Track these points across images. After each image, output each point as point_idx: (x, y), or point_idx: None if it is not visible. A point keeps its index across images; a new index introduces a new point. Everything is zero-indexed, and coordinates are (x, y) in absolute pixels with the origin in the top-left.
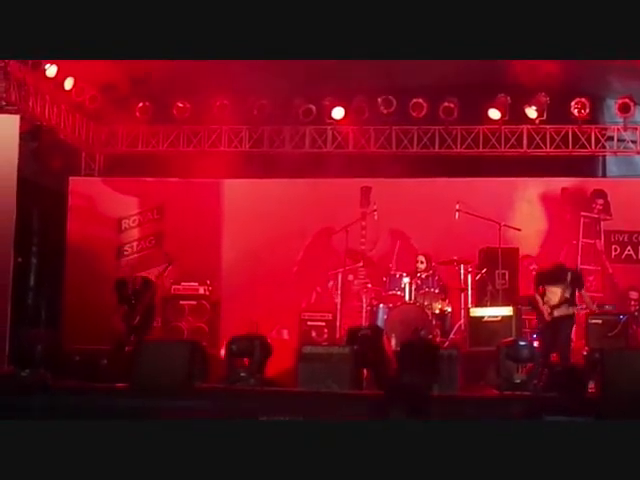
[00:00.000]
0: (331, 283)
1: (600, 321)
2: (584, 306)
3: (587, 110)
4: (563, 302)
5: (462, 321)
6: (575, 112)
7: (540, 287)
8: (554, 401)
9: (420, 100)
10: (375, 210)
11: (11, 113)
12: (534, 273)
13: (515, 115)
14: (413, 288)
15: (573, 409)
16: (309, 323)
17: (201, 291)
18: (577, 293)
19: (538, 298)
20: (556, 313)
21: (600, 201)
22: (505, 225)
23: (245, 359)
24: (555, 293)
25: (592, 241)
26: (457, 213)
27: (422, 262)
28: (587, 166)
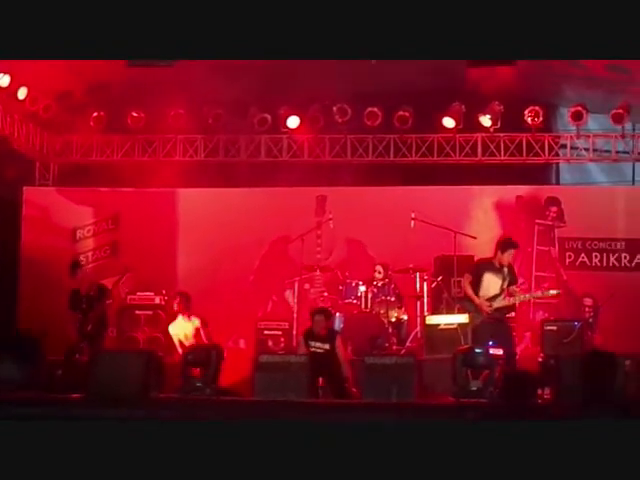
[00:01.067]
0: (287, 292)
1: (555, 328)
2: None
3: (540, 118)
4: (500, 293)
5: (418, 329)
6: (529, 120)
7: (472, 277)
8: (507, 408)
9: (375, 109)
10: (331, 219)
11: None
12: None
13: (469, 123)
14: (369, 296)
15: (526, 415)
16: (265, 332)
17: (157, 301)
18: (519, 290)
19: (469, 290)
20: (496, 304)
21: (554, 209)
22: (460, 233)
23: (198, 369)
24: (496, 283)
25: (546, 248)
26: (412, 221)
27: (380, 272)
28: (541, 174)
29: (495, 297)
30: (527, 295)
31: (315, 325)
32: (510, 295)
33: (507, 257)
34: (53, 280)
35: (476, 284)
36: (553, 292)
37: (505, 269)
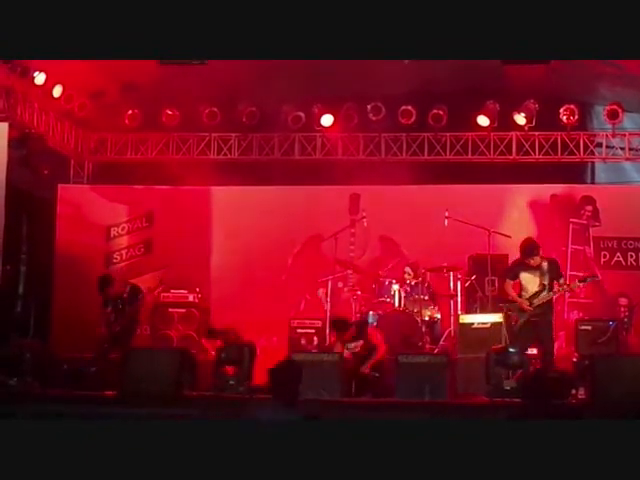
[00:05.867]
0: (320, 290)
1: (590, 327)
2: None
3: (576, 117)
4: (542, 290)
5: (452, 328)
6: (564, 119)
7: (510, 280)
8: (542, 408)
9: (409, 107)
10: (364, 217)
11: (0, 121)
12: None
13: (504, 122)
14: (402, 295)
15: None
16: (298, 330)
17: (190, 299)
18: (555, 283)
19: (512, 292)
20: (536, 302)
21: (589, 207)
22: (494, 232)
23: (232, 367)
24: (533, 281)
25: (581, 247)
26: (446, 220)
27: (409, 273)
28: (576, 173)
29: (536, 294)
30: (565, 287)
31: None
32: (560, 286)
33: (535, 260)
34: (87, 277)
35: (516, 285)
36: (590, 279)
37: (545, 265)
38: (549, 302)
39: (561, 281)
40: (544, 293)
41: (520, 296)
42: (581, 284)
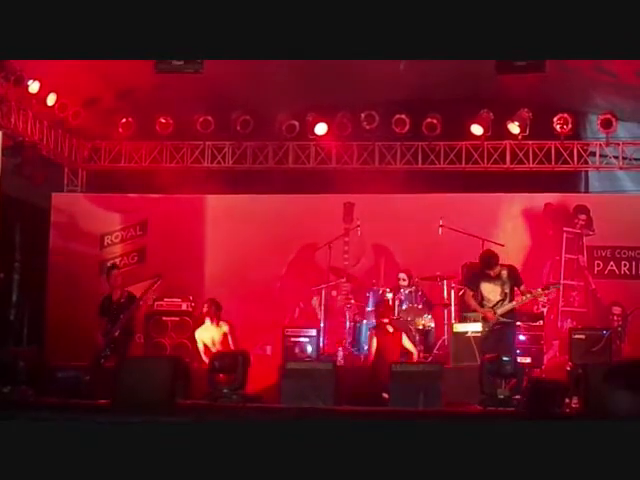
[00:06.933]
0: (314, 299)
1: (583, 336)
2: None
3: (569, 126)
4: (504, 298)
5: (445, 336)
6: (557, 128)
7: (470, 290)
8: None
9: (403, 116)
10: (358, 226)
11: None
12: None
13: (498, 131)
14: (396, 304)
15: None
16: (292, 339)
17: (184, 307)
18: (518, 292)
19: (473, 303)
20: (499, 311)
21: (583, 217)
22: (488, 240)
23: (225, 375)
24: (494, 290)
25: (575, 256)
26: (440, 229)
27: (404, 279)
28: (570, 182)
29: (498, 303)
30: (528, 295)
31: None
32: (522, 294)
33: (495, 270)
34: (81, 286)
35: (478, 295)
36: (553, 288)
37: (504, 273)
38: (512, 311)
39: (522, 288)
40: (506, 302)
41: (482, 306)
42: (544, 292)
